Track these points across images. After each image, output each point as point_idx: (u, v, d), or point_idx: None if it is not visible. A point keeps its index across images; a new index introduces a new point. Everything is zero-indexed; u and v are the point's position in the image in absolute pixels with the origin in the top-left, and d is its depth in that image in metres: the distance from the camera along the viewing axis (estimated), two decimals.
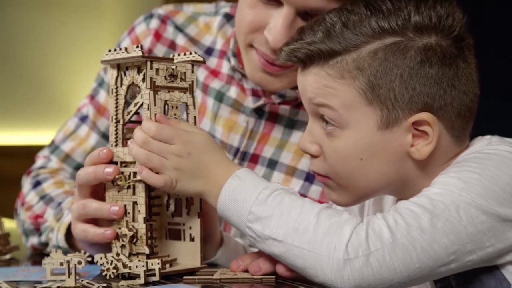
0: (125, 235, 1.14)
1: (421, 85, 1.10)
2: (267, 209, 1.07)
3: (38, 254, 1.45)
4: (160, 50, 1.52)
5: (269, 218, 1.06)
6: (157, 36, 1.53)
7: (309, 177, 1.43)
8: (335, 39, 1.12)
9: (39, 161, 1.61)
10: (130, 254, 1.14)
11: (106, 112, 1.55)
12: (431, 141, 1.11)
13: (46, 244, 1.43)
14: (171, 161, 1.12)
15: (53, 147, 1.60)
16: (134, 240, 1.14)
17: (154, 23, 1.54)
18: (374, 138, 1.12)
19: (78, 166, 1.55)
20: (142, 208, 1.14)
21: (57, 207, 1.43)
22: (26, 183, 1.57)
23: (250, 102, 1.45)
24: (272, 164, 1.45)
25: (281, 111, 1.45)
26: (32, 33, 3.54)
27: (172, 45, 1.53)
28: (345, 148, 1.13)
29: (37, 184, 1.54)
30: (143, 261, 1.11)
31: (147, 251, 1.14)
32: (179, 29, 1.54)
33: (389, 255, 1.02)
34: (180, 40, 1.52)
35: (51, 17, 3.57)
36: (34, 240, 1.46)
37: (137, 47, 1.13)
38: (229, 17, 1.53)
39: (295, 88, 1.40)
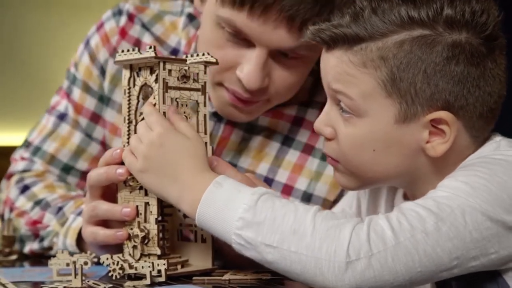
0: (137, 236, 1.13)
1: (444, 83, 1.07)
2: (258, 214, 1.03)
3: (38, 256, 1.43)
4: (124, 48, 1.43)
5: (261, 223, 1.03)
6: (123, 33, 1.51)
7: (267, 181, 1.41)
8: (362, 24, 1.09)
9: (20, 164, 1.55)
10: (142, 255, 1.14)
11: (83, 110, 1.51)
12: (447, 140, 1.09)
13: (49, 249, 1.41)
14: (143, 147, 1.11)
15: (33, 148, 1.54)
16: (146, 241, 1.13)
17: (123, 20, 1.52)
18: (389, 131, 1.10)
19: (65, 167, 1.52)
20: (154, 209, 1.14)
21: (58, 212, 1.40)
22: (12, 188, 1.51)
23: (208, 105, 1.43)
24: None
25: None
26: (37, 33, 3.53)
27: (138, 43, 1.50)
28: (360, 136, 1.11)
29: (25, 188, 1.49)
30: (149, 262, 1.10)
31: (158, 252, 1.13)
32: (145, 27, 1.52)
33: (391, 257, 1.00)
34: (147, 39, 1.50)
35: (56, 17, 3.56)
36: (34, 245, 1.43)
37: (150, 47, 1.12)
38: (191, 18, 1.51)
39: None
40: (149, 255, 1.14)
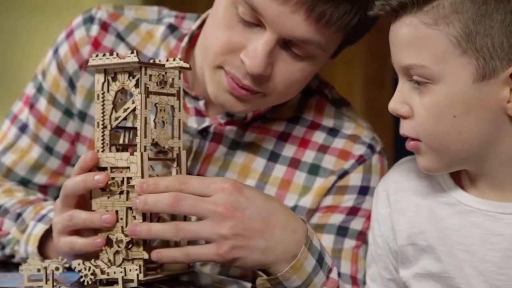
0: (121, 241, 1.12)
1: None
2: None
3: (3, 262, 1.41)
4: None
5: None
6: (96, 44, 1.45)
7: None
8: None
9: None
10: (124, 260, 1.13)
11: (47, 122, 1.47)
12: None
13: (11, 256, 1.37)
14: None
15: None
16: (130, 246, 1.12)
17: (95, 29, 1.45)
18: (468, 92, 1.06)
19: (22, 180, 1.49)
20: (137, 213, 1.12)
21: (18, 219, 1.37)
22: None
23: (193, 122, 1.41)
24: None
25: (226, 132, 1.41)
26: (6, 37, 3.46)
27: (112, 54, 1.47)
28: (437, 104, 1.07)
29: None
30: (122, 267, 1.10)
31: (146, 256, 1.12)
32: (120, 37, 1.46)
33: None
34: (122, 50, 1.45)
35: (26, 21, 3.49)
36: None
37: (132, 52, 1.12)
38: (172, 28, 1.47)
39: None
40: (133, 259, 1.13)
